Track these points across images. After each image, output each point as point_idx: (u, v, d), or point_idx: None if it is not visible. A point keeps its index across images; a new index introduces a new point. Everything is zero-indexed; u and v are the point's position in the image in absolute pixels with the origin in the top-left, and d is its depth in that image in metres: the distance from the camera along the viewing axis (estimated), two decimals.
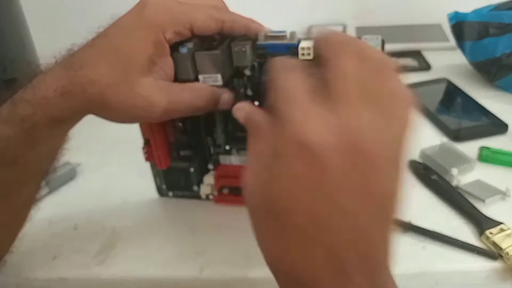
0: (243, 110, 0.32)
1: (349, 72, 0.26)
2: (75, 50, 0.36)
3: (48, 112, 0.34)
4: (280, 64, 0.29)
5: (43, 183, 0.41)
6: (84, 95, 0.34)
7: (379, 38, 0.38)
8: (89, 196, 0.56)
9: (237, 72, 0.42)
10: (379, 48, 0.38)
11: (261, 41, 0.39)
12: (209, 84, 0.40)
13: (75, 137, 0.42)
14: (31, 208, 0.42)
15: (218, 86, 0.41)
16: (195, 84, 0.39)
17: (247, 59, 0.40)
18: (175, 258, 0.45)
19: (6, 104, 0.35)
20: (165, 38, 0.37)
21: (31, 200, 0.41)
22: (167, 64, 0.38)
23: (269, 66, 0.30)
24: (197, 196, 0.52)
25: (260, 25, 0.41)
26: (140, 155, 0.49)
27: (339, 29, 0.98)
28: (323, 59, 0.28)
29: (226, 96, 0.41)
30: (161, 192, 0.54)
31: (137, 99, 0.36)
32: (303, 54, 0.37)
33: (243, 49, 0.39)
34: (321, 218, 0.25)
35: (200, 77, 0.40)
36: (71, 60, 0.35)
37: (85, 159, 0.62)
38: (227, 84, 0.41)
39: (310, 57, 0.37)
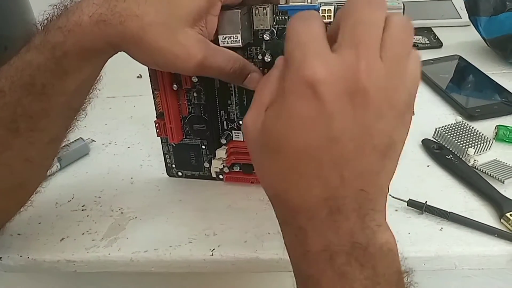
0: (255, 80, 0.36)
1: (360, 19, 0.27)
2: None
3: (80, 40, 0.33)
4: (298, 15, 0.30)
5: (71, 126, 0.42)
6: (121, 27, 0.33)
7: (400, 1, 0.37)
8: (96, 176, 0.55)
9: (257, 38, 0.42)
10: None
11: (282, 4, 0.39)
12: (228, 44, 0.40)
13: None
14: (57, 150, 0.42)
15: (237, 48, 0.40)
16: (230, 51, 0.39)
17: (267, 22, 0.40)
18: (185, 239, 0.44)
19: (39, 31, 0.35)
20: None
21: (57, 140, 0.41)
22: (212, 23, 0.38)
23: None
24: (206, 176, 0.51)
25: None
26: (150, 134, 0.48)
27: None
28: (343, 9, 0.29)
29: (256, 75, 0.40)
30: (170, 172, 0.53)
31: (176, 46, 0.34)
32: (323, 17, 0.39)
33: (264, 11, 0.40)
34: (318, 153, 0.27)
35: (220, 37, 0.39)
36: None
37: (92, 137, 0.60)
38: (245, 48, 0.42)
39: (331, 19, 0.39)
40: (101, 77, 0.40)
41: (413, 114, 0.30)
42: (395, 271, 0.28)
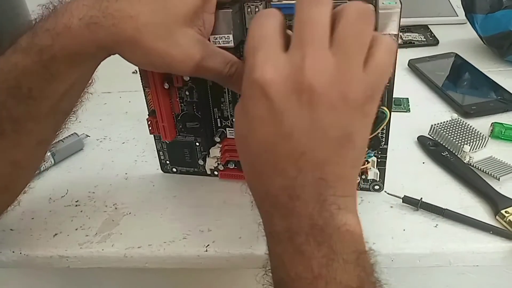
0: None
1: (304, 18, 0.28)
2: None
3: (69, 44, 0.32)
4: (256, 15, 0.31)
5: (61, 129, 0.41)
6: (114, 29, 0.32)
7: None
8: (90, 172, 0.54)
9: None
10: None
11: (275, 2, 0.38)
12: (220, 45, 0.39)
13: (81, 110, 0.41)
14: (45, 152, 0.41)
15: (230, 48, 0.39)
16: (229, 54, 0.37)
17: None
18: (179, 235, 0.44)
19: (27, 33, 0.33)
20: None
21: (45, 142, 0.40)
22: (209, 21, 0.37)
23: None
24: (201, 172, 0.51)
25: None
26: (145, 130, 0.48)
27: None
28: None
29: None
30: (164, 168, 0.52)
31: (174, 47, 0.33)
32: None
33: (256, 9, 0.39)
34: (273, 148, 0.29)
35: (211, 37, 0.38)
36: None
37: (86, 132, 0.60)
38: (238, 47, 0.40)
39: None
40: (93, 81, 0.39)
41: (380, 104, 0.31)
42: (354, 251, 0.29)
